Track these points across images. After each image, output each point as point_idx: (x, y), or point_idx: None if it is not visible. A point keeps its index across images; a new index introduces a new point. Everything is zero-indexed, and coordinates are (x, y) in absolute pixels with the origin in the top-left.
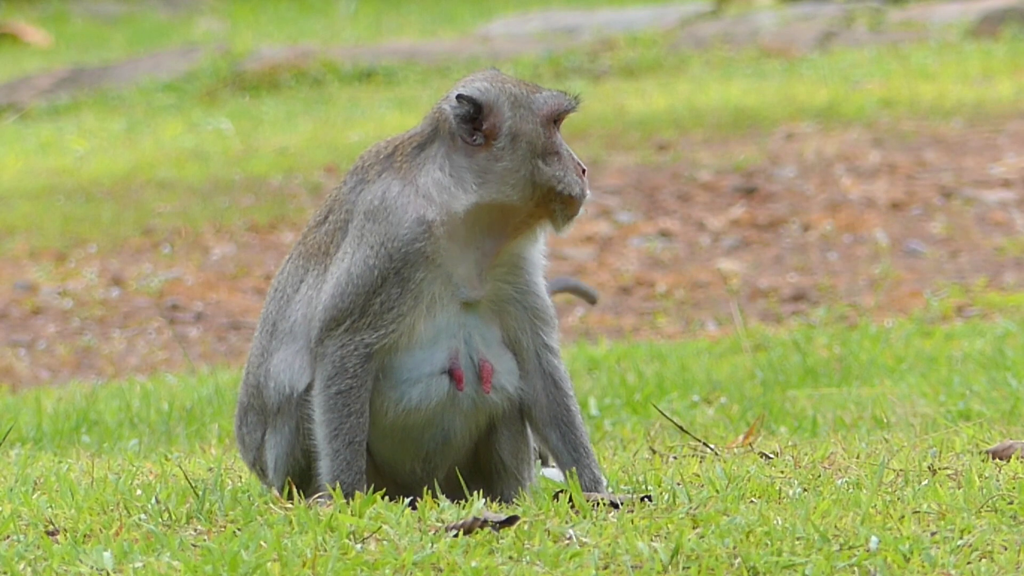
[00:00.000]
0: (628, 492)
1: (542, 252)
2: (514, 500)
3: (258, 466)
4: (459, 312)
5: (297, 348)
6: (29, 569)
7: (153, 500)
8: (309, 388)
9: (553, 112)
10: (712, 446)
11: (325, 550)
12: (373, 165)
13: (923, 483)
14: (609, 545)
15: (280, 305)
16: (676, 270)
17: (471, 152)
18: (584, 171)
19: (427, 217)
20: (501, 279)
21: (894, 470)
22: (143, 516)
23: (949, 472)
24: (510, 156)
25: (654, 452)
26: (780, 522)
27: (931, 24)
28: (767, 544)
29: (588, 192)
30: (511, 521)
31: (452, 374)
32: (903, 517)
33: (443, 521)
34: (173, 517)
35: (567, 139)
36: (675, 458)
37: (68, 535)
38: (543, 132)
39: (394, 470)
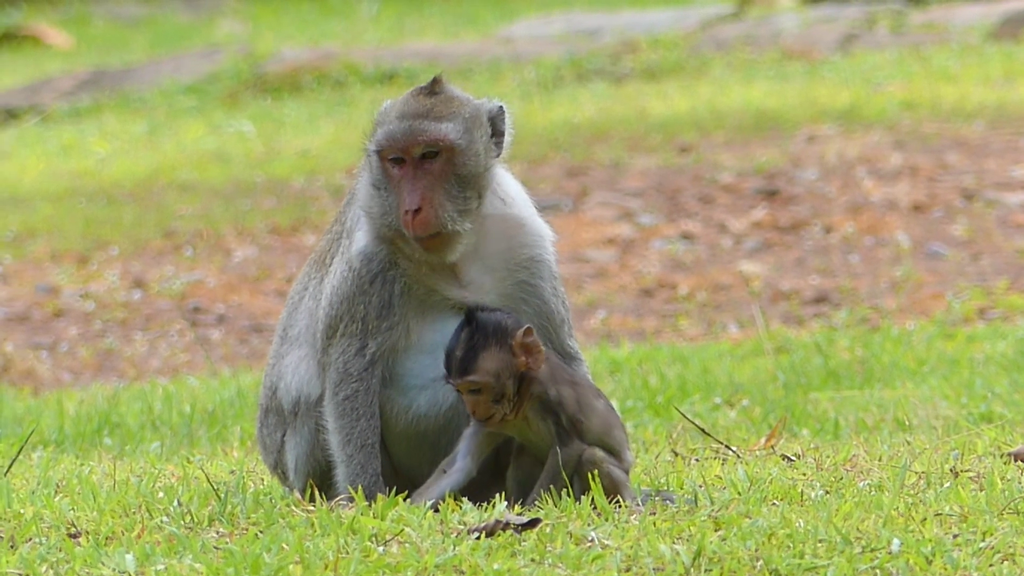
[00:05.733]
0: (650, 494)
1: (551, 253)
2: (536, 502)
3: (279, 468)
4: (459, 316)
5: (303, 354)
6: (51, 572)
7: (175, 502)
8: (322, 399)
9: (377, 148)
10: (734, 448)
11: (347, 552)
12: (357, 176)
13: (945, 485)
14: (631, 547)
15: (289, 311)
16: (698, 272)
17: None
18: (407, 212)
19: (366, 239)
20: (505, 281)
21: (916, 472)
22: (165, 518)
23: (971, 474)
24: (366, 179)
25: (676, 454)
26: (802, 524)
27: (952, 26)
28: (789, 547)
29: (409, 234)
30: (533, 523)
31: None
32: (925, 519)
33: (465, 524)
34: (195, 519)
35: (590, 140)
36: (697, 460)
37: (90, 537)
38: (373, 164)
39: (412, 474)
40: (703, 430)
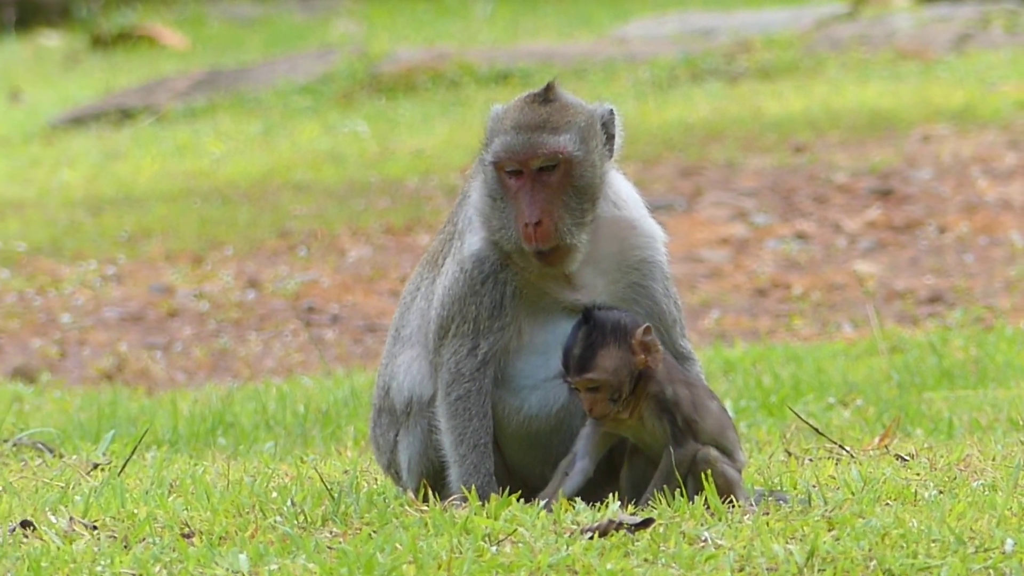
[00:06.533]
0: (764, 493)
1: (663, 254)
2: (649, 502)
3: (393, 468)
4: (572, 317)
5: (415, 354)
6: (165, 572)
7: (289, 502)
8: (434, 399)
9: (494, 160)
10: (848, 448)
11: (460, 552)
12: (470, 178)
13: None
14: (744, 547)
15: (402, 311)
16: (812, 272)
17: None
18: (527, 225)
19: (479, 243)
20: (617, 283)
21: None
22: (279, 518)
23: None
24: (481, 187)
25: (790, 454)
26: (916, 524)
27: None
28: (902, 547)
29: (527, 247)
30: (646, 523)
31: None
32: None
33: (578, 524)
34: (309, 519)
35: (704, 140)
36: (811, 460)
37: (204, 537)
38: (489, 174)
39: (525, 474)
40: (817, 430)
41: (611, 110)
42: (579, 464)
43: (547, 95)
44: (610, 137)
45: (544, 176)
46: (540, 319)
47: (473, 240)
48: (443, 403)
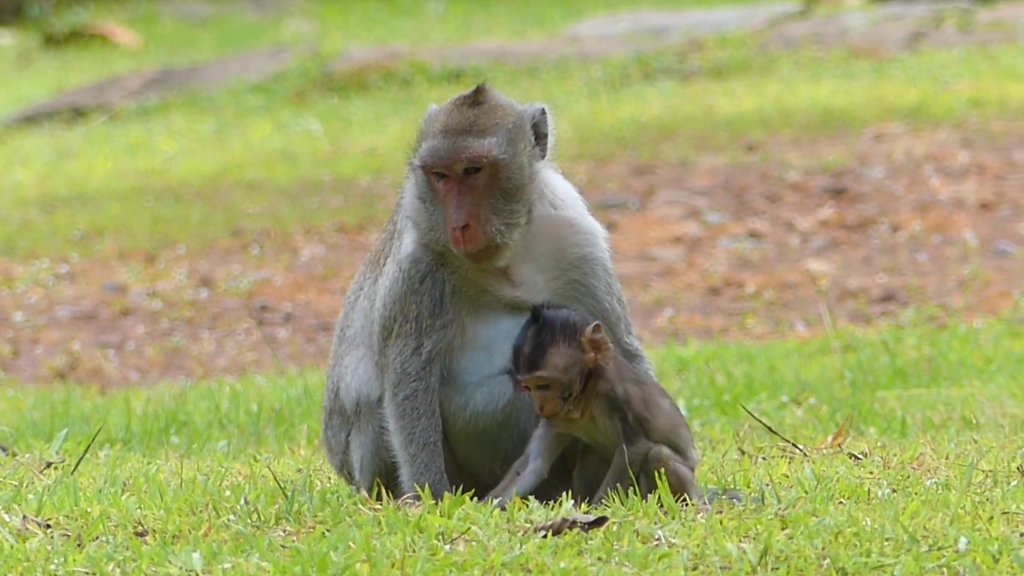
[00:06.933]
0: (717, 492)
1: (604, 251)
2: (602, 501)
3: (345, 469)
4: (514, 314)
5: (360, 355)
6: (118, 570)
7: (242, 501)
8: (383, 399)
9: (420, 164)
10: (801, 447)
11: (414, 551)
12: (406, 178)
13: (1012, 484)
14: (698, 546)
15: (346, 311)
16: (765, 271)
17: None
18: (455, 229)
19: (412, 244)
20: (557, 280)
21: (983, 471)
22: (232, 517)
23: None
24: (412, 189)
25: (743, 453)
26: (869, 523)
27: (1020, 24)
28: (856, 545)
29: (457, 250)
30: (600, 522)
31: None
32: (992, 518)
33: (532, 522)
34: (262, 518)
35: (656, 138)
36: (764, 459)
37: (157, 536)
38: (418, 177)
39: (474, 471)
40: (770, 428)
41: (543, 109)
42: (532, 464)
43: (476, 98)
44: (542, 137)
45: (470, 179)
46: (482, 316)
47: (407, 241)
48: (391, 403)
